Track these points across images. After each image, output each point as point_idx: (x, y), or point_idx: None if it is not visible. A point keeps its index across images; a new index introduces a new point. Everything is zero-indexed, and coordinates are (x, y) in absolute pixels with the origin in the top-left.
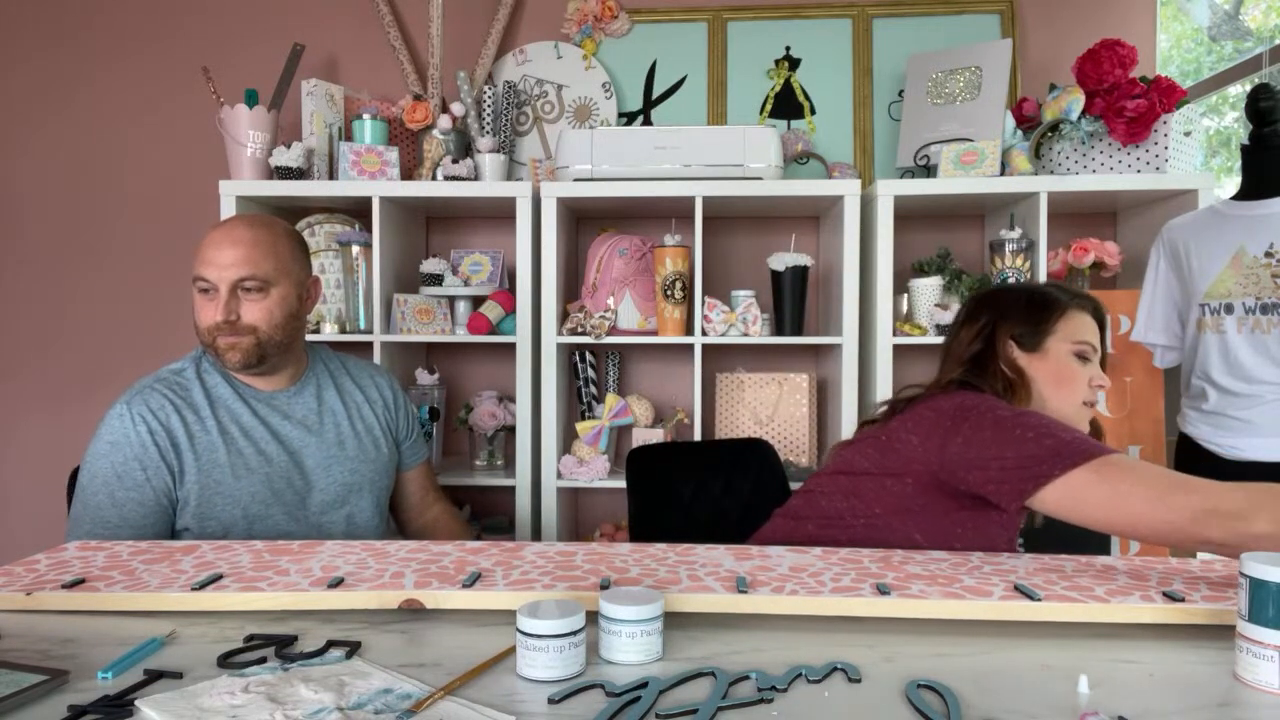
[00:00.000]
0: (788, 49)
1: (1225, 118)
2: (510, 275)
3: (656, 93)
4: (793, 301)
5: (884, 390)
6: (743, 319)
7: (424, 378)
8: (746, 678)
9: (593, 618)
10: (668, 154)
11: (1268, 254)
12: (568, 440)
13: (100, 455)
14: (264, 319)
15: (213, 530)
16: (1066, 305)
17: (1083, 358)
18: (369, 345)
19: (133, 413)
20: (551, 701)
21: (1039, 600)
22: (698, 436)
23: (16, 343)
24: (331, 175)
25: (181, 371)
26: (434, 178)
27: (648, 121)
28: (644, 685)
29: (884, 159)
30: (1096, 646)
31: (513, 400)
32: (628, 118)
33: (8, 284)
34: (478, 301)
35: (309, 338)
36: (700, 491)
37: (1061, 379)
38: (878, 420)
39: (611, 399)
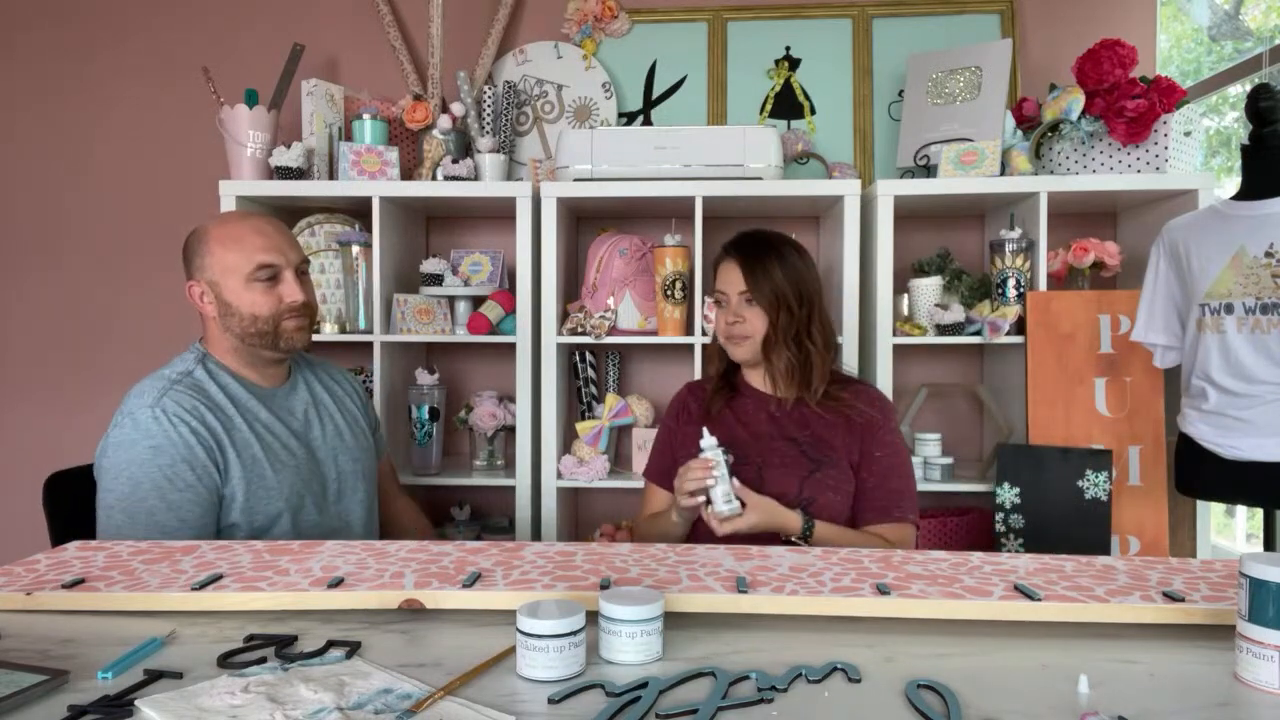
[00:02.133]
0: (788, 49)
1: (1225, 118)
2: (510, 275)
3: (656, 93)
4: None
5: (884, 390)
6: None
7: (424, 378)
8: (746, 678)
9: (593, 618)
10: (668, 154)
11: (1268, 254)
12: (568, 440)
13: (143, 461)
14: (314, 298)
15: (260, 524)
16: (718, 262)
17: (720, 304)
18: (369, 345)
19: (168, 415)
20: (551, 701)
21: (1039, 600)
22: None
23: (16, 340)
24: (331, 175)
25: (191, 372)
26: (434, 178)
27: (648, 121)
28: (644, 685)
29: (884, 159)
30: (1096, 646)
31: (513, 400)
32: (628, 118)
33: (5, 282)
34: (478, 301)
35: None
36: None
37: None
38: None
39: (611, 399)
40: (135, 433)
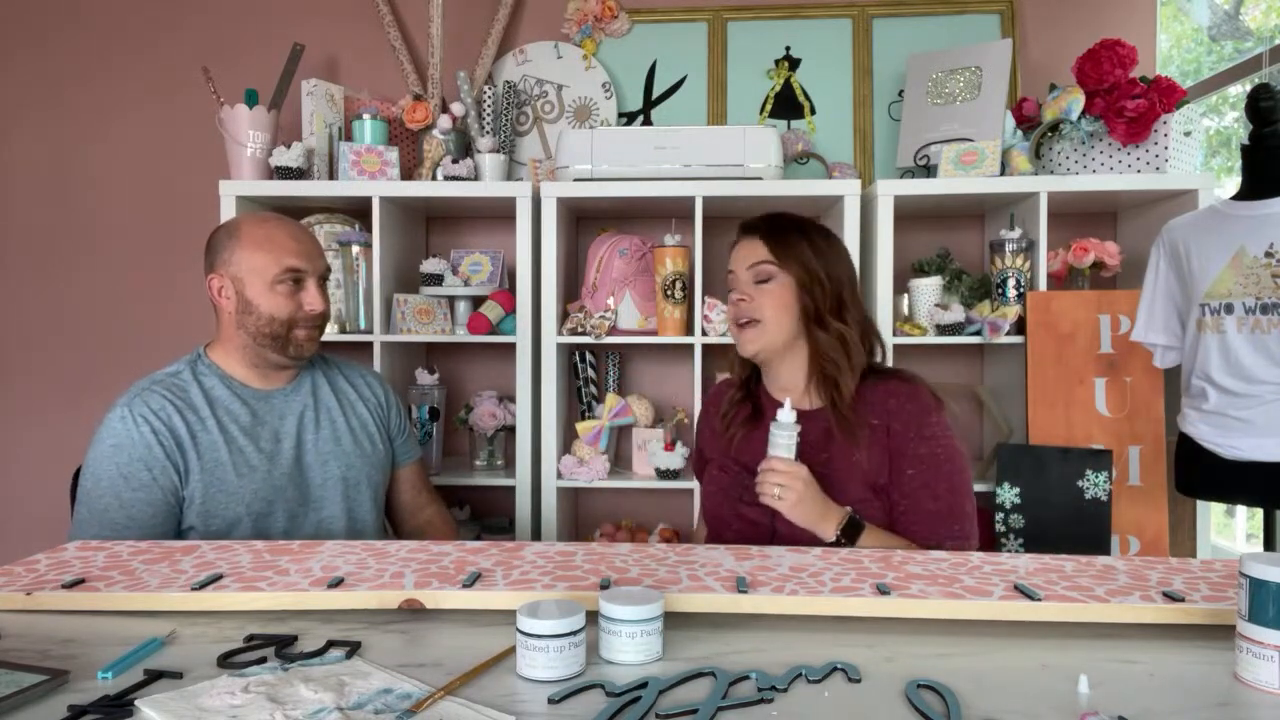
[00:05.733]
0: (788, 49)
1: (1225, 118)
2: (510, 275)
3: (656, 93)
4: None
5: None
6: None
7: (424, 378)
8: (746, 678)
9: (593, 618)
10: (668, 154)
11: (1268, 254)
12: (568, 440)
13: (104, 458)
14: (329, 307)
15: (217, 528)
16: (733, 245)
17: (731, 289)
18: (369, 345)
19: (134, 414)
20: (551, 701)
21: (1039, 600)
22: None
23: (18, 343)
24: (331, 175)
25: (178, 374)
26: (434, 178)
27: (648, 121)
28: (644, 685)
29: (884, 159)
30: (1096, 646)
31: (513, 400)
32: (628, 118)
33: (9, 284)
34: (478, 301)
35: None
36: None
37: None
38: None
39: (612, 399)
40: (105, 431)
